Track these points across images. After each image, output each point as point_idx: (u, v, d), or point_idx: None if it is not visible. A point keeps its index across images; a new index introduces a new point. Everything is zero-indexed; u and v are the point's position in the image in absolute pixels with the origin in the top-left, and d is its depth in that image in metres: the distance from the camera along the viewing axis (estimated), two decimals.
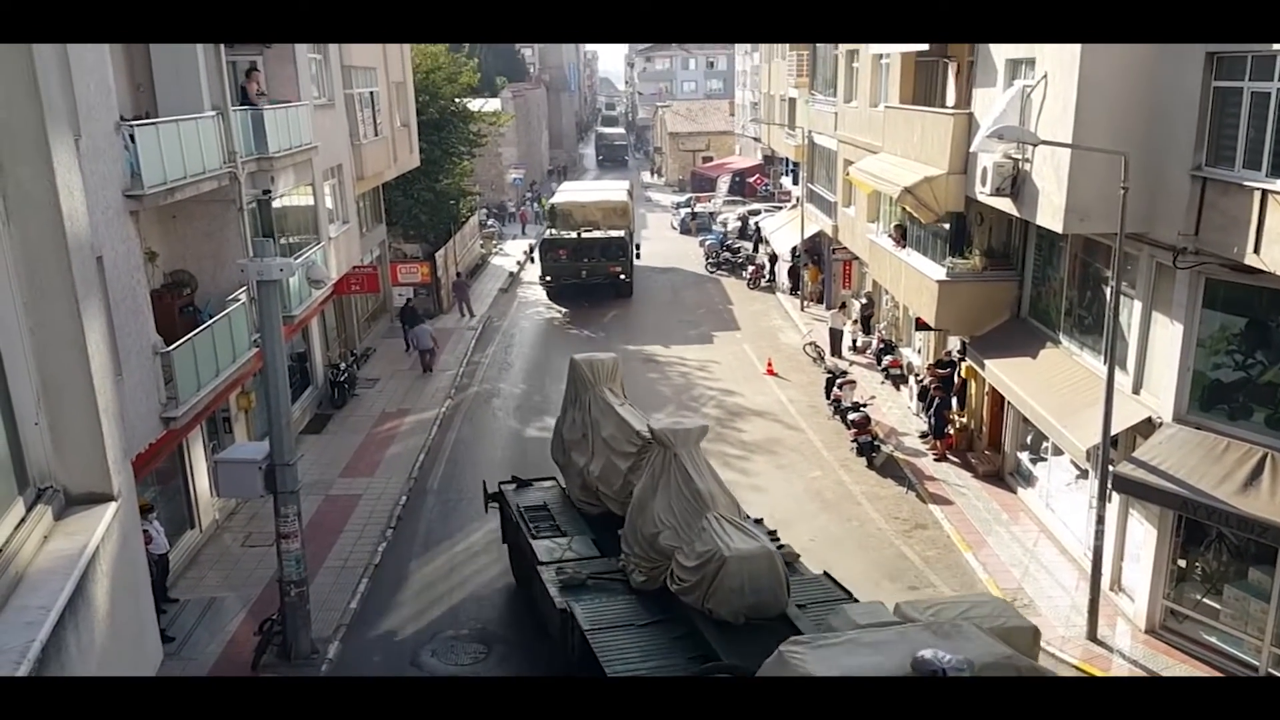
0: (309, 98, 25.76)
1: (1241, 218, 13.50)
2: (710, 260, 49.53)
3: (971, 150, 20.27)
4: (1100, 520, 15.92)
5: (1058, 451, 19.56)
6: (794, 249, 40.60)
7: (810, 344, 33.77)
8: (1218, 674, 15.25)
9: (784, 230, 43.52)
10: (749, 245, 50.34)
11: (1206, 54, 14.24)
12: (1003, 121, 17.43)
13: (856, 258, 33.94)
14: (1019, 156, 18.30)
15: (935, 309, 22.30)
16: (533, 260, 48.00)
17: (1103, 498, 15.53)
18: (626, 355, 33.98)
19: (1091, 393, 17.01)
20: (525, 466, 24.41)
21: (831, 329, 32.91)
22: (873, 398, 27.12)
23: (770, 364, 32.06)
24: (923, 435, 24.95)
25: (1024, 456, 21.89)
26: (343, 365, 29.65)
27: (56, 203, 4.86)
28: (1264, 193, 13.11)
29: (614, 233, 42.29)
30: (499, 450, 25.84)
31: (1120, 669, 15.79)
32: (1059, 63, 16.56)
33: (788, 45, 43.40)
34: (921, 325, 25.87)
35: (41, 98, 4.70)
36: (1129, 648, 16.29)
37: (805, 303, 39.63)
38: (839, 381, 27.23)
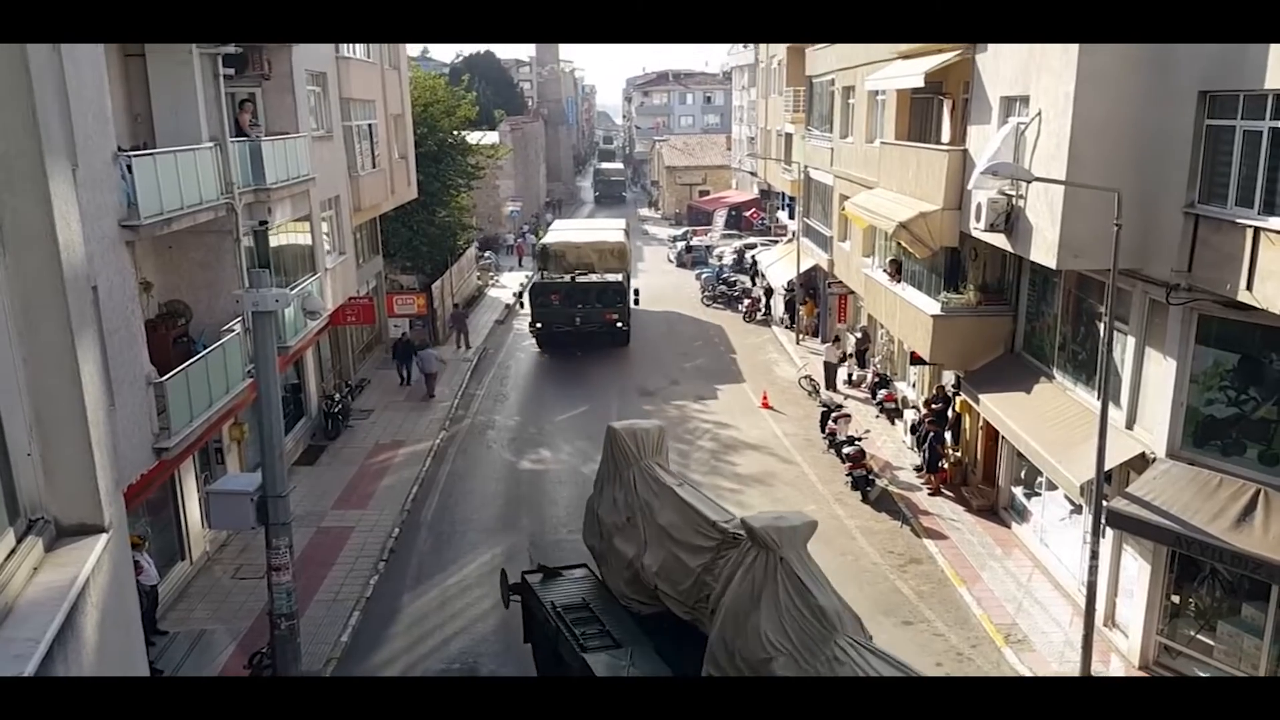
0: (307, 129, 25.89)
1: (1234, 254, 13.57)
2: (706, 293, 49.70)
3: (969, 188, 20.39)
4: (1094, 555, 15.86)
5: (1052, 486, 19.54)
6: (790, 283, 40.70)
7: (805, 377, 33.81)
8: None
9: (780, 264, 43.67)
10: (746, 279, 50.50)
11: (1199, 92, 14.39)
12: (998, 158, 17.54)
13: (852, 292, 34.03)
14: (1013, 193, 18.40)
15: (930, 343, 22.36)
16: (522, 305, 44.52)
17: (1096, 533, 15.49)
18: (623, 388, 34.08)
19: (1085, 428, 17.02)
20: (520, 501, 24.42)
21: (826, 363, 32.96)
22: (868, 432, 27.13)
23: (765, 397, 32.07)
24: (917, 469, 24.94)
25: (1018, 491, 21.86)
26: (337, 396, 29.61)
27: (53, 233, 4.86)
28: (1256, 230, 13.18)
29: (610, 276, 39.74)
30: (493, 483, 25.76)
31: None
32: (1053, 100, 16.70)
33: (785, 83, 43.70)
34: (916, 359, 25.91)
35: (40, 128, 4.71)
36: None
37: (801, 336, 39.69)
38: (834, 415, 27.24)
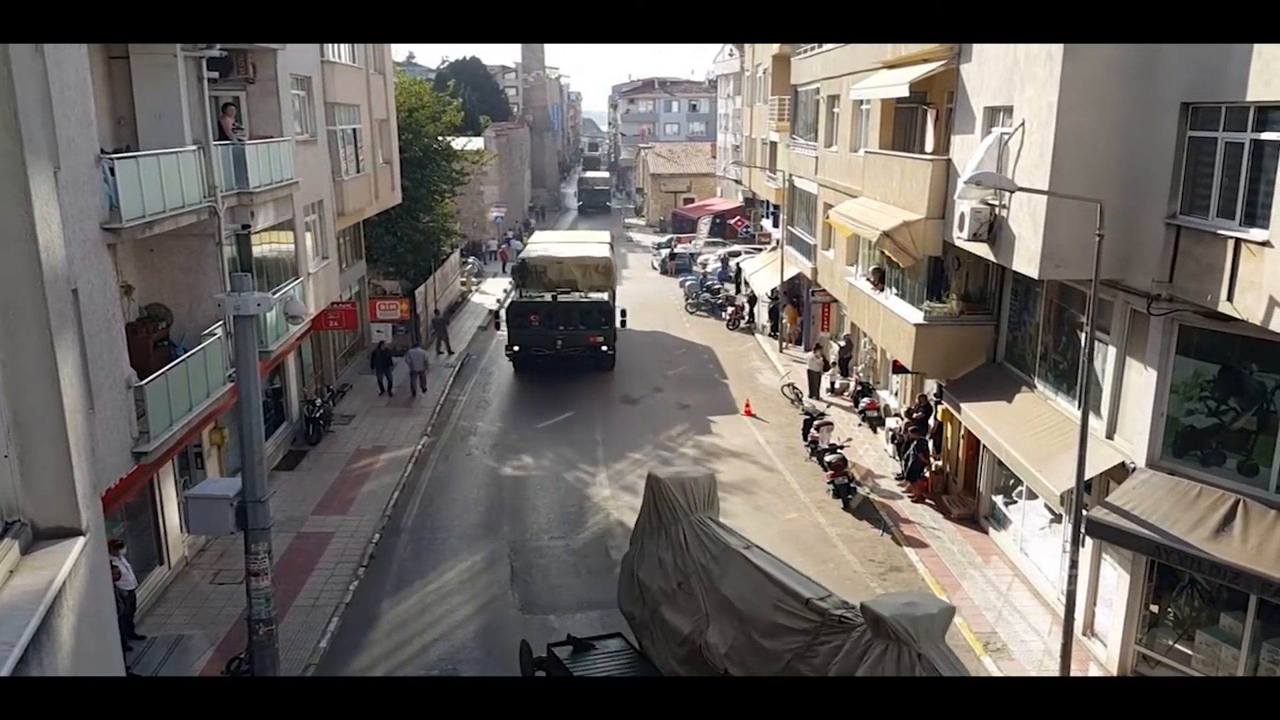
0: (291, 133, 25.81)
1: (1215, 265, 13.68)
2: (690, 301, 49.73)
3: (954, 198, 20.48)
4: (1073, 565, 15.93)
5: (1032, 495, 19.61)
6: (773, 291, 40.78)
7: (788, 385, 33.87)
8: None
9: (764, 272, 43.73)
10: (729, 287, 50.56)
11: (1182, 104, 14.49)
12: (981, 168, 17.61)
13: (835, 300, 34.12)
14: (996, 203, 18.50)
15: (912, 352, 22.43)
16: (499, 326, 39.74)
17: (1076, 542, 15.56)
18: (606, 396, 34.05)
19: (1066, 437, 17.09)
20: (501, 507, 24.35)
21: (810, 371, 33.02)
22: (850, 440, 27.18)
23: (748, 405, 32.10)
24: (899, 477, 25.00)
25: (999, 500, 21.93)
26: (318, 401, 29.46)
27: (33, 233, 4.83)
28: (1237, 241, 13.29)
29: (595, 295, 36.50)
30: (475, 490, 25.68)
31: None
32: (1036, 110, 16.79)
33: (770, 91, 43.80)
34: (899, 368, 25.98)
35: (21, 130, 4.69)
36: None
37: (784, 344, 39.77)
38: (816, 423, 27.30)
